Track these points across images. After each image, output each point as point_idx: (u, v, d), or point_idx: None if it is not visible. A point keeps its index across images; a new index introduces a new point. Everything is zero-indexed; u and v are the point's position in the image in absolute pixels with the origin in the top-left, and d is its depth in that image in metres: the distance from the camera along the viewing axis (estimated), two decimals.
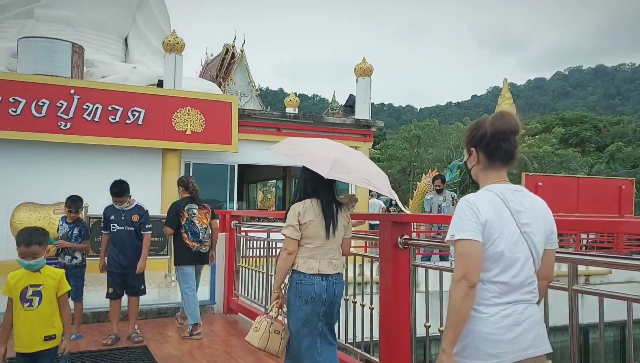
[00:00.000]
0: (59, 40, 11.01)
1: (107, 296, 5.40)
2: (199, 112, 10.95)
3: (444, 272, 3.36)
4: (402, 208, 4.15)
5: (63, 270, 3.27)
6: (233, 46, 25.19)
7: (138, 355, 4.93)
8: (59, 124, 9.77)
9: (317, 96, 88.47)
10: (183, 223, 5.57)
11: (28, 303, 3.01)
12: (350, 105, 14.64)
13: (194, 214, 5.66)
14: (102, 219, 5.47)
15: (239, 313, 6.47)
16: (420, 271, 3.80)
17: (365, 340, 4.16)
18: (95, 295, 6.68)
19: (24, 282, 3.04)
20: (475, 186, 2.32)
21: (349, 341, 4.29)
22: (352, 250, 3.60)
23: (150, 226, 5.55)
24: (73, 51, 10.95)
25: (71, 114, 9.85)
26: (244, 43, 29.30)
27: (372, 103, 13.45)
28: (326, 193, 3.20)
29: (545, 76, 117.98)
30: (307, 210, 3.13)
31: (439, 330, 3.30)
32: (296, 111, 14.93)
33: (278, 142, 3.51)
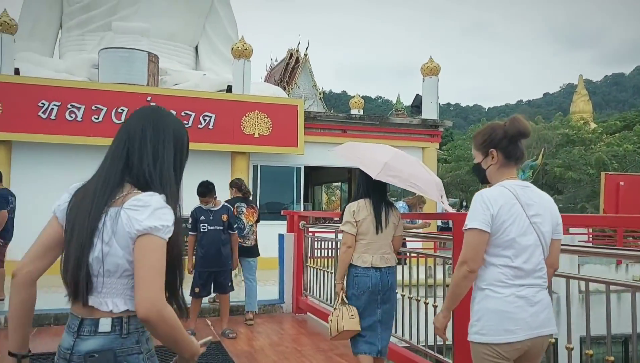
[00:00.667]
0: (136, 50, 11.62)
1: (190, 294, 5.55)
2: (266, 116, 11.18)
3: None
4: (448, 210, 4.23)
5: None
6: (297, 51, 25.58)
7: (212, 351, 5.09)
8: None
9: (381, 97, 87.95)
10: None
11: None
12: (416, 105, 14.45)
13: (242, 211, 6.19)
14: (190, 221, 5.63)
15: (308, 313, 6.53)
16: None
17: (438, 343, 4.08)
18: None
19: None
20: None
21: (421, 343, 4.23)
22: (421, 250, 3.65)
23: (237, 226, 5.85)
24: (149, 60, 11.50)
25: None
26: (307, 47, 29.69)
27: (439, 103, 13.20)
28: (377, 193, 3.56)
29: (624, 71, 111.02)
30: (360, 209, 3.51)
31: None
32: (361, 113, 14.90)
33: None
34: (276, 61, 28.60)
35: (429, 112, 12.91)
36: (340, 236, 5.81)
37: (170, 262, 1.48)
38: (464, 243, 2.20)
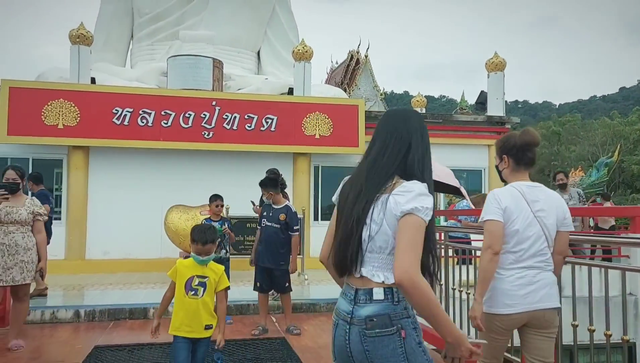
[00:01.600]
0: (202, 57, 12.03)
1: (254, 289, 5.70)
2: (327, 117, 11.25)
3: (595, 270, 3.08)
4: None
5: (223, 267, 3.49)
6: (357, 52, 25.54)
7: (278, 346, 5.18)
8: (202, 133, 10.66)
9: (444, 96, 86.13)
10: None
11: (193, 292, 3.22)
12: (481, 102, 14.04)
13: None
14: (259, 216, 5.88)
15: None
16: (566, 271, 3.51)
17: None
18: (237, 290, 7.14)
19: (191, 271, 3.26)
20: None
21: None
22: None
23: (297, 227, 5.73)
24: (214, 66, 11.88)
25: (213, 124, 10.70)
26: (368, 48, 29.57)
27: (505, 101, 12.77)
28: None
29: None
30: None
31: (589, 329, 3.06)
32: (424, 112, 14.67)
33: None
34: (336, 63, 28.69)
35: (495, 108, 12.52)
36: None
37: (425, 245, 1.73)
38: (485, 232, 2.68)
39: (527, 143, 2.70)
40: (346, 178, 1.96)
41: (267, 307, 5.76)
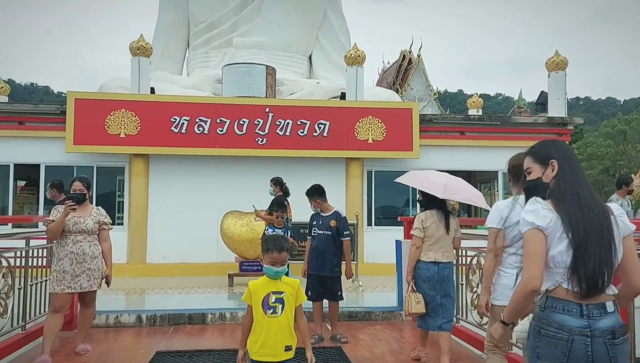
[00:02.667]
0: (256, 64, 12.22)
1: (308, 299, 5.72)
2: (380, 121, 11.14)
3: None
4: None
5: (298, 280, 3.25)
6: (409, 52, 25.22)
7: (333, 356, 5.16)
8: (256, 140, 10.81)
9: (500, 94, 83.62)
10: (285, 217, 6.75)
11: (272, 310, 2.99)
12: (541, 103, 13.54)
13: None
14: (308, 226, 5.87)
15: None
16: None
17: None
18: None
19: (266, 289, 3.04)
20: None
21: None
22: None
23: (348, 232, 5.75)
24: (267, 72, 12.04)
25: (266, 131, 10.83)
26: (420, 47, 29.18)
27: (567, 98, 12.23)
28: (439, 206, 4.71)
29: None
30: (428, 218, 4.68)
31: None
32: (480, 113, 14.28)
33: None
34: (388, 63, 28.47)
35: (556, 109, 12.01)
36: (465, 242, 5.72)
37: None
38: (488, 238, 3.33)
39: (519, 165, 3.03)
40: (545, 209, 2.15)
41: (321, 316, 5.75)
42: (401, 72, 25.28)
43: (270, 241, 3.09)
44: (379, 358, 5.03)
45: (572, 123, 12.10)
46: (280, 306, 3.00)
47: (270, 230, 6.59)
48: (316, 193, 5.70)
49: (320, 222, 5.65)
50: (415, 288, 4.64)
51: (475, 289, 5.34)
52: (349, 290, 8.70)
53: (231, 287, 8.87)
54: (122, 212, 11.23)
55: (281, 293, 3.03)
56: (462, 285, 5.68)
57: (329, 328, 5.87)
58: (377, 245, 10.86)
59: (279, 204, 7.00)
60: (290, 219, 6.94)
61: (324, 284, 5.59)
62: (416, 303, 4.59)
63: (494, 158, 11.78)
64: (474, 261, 5.40)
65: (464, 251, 5.72)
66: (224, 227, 9.48)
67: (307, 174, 11.22)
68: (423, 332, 4.89)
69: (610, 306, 2.03)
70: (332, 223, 5.62)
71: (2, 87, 12.18)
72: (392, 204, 12.22)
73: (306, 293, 5.64)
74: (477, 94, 15.08)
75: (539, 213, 2.10)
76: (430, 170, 5.66)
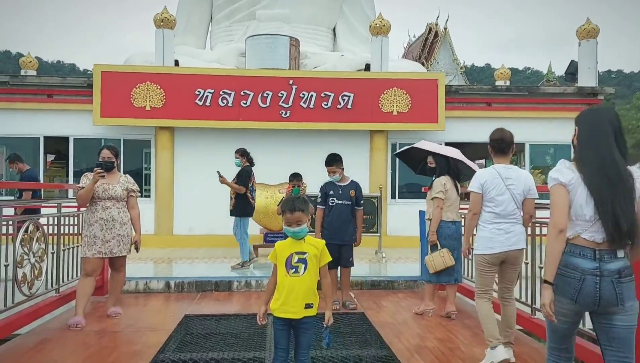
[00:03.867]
0: (279, 35, 12.15)
1: None
2: (405, 92, 11.01)
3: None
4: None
5: (324, 241, 3.28)
6: (436, 25, 24.71)
7: (357, 321, 5.23)
8: (280, 112, 10.81)
9: (529, 68, 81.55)
10: (250, 185, 7.45)
11: (294, 270, 3.05)
12: (571, 72, 13.17)
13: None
14: (320, 195, 5.77)
15: None
16: None
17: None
18: None
19: (289, 249, 3.11)
20: None
21: None
22: None
23: (362, 201, 5.81)
24: (290, 44, 11.96)
25: (290, 103, 10.81)
26: (447, 20, 28.54)
27: (598, 71, 11.86)
28: (453, 172, 5.37)
29: None
30: (447, 182, 5.25)
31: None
32: (508, 84, 13.97)
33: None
34: (414, 37, 27.95)
35: (586, 79, 11.67)
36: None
37: None
38: (470, 200, 3.96)
39: (500, 138, 3.90)
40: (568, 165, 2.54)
41: (337, 283, 5.78)
42: (427, 46, 24.82)
43: (284, 203, 3.14)
44: (402, 323, 5.07)
45: (603, 93, 11.75)
46: (303, 266, 3.05)
47: None
48: (339, 160, 5.67)
49: (340, 192, 5.63)
50: (439, 246, 5.15)
51: None
52: (373, 261, 8.75)
53: (256, 258, 8.99)
54: (149, 185, 11.43)
55: (304, 253, 3.07)
56: None
57: (352, 295, 5.90)
58: (401, 218, 10.84)
59: (295, 175, 7.38)
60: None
61: (340, 252, 5.59)
62: (442, 258, 5.08)
63: (521, 129, 11.56)
64: None
65: None
66: None
67: (331, 147, 11.18)
68: (432, 287, 5.40)
69: (620, 253, 2.38)
70: (352, 192, 5.62)
71: (30, 61, 12.41)
72: (418, 177, 12.12)
73: None
74: (504, 66, 14.75)
75: (562, 171, 2.49)
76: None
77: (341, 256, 5.64)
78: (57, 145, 12.60)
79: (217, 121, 10.79)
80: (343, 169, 5.75)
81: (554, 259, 2.44)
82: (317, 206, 5.73)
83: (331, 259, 3.24)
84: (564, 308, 2.45)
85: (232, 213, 7.79)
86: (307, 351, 3.11)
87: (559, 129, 11.43)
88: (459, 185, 5.37)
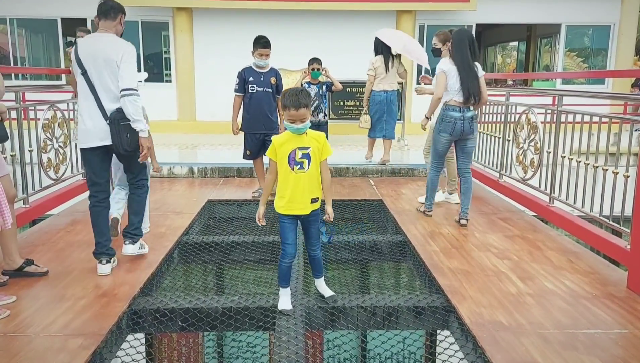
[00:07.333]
0: None
1: (243, 157, 5.53)
2: None
3: None
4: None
5: (324, 134, 3.08)
6: None
7: (375, 208, 5.36)
8: None
9: None
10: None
11: (299, 166, 2.90)
12: None
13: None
14: (237, 81, 5.34)
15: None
16: None
17: (615, 214, 3.80)
18: (337, 154, 7.26)
19: (291, 145, 2.91)
20: None
21: (595, 212, 3.98)
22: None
23: (283, 90, 5.40)
24: None
25: None
26: None
27: None
28: (388, 53, 6.78)
29: None
30: (376, 60, 6.76)
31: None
32: None
33: None
34: None
35: None
36: (511, 99, 5.50)
37: None
38: (436, 83, 4.70)
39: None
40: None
41: (264, 171, 5.54)
42: None
43: (288, 97, 2.85)
44: (419, 211, 5.15)
45: None
46: (307, 161, 2.91)
47: (308, 86, 6.45)
48: (269, 44, 5.24)
49: (262, 79, 5.27)
50: (368, 111, 7.01)
51: (522, 144, 5.23)
52: (394, 149, 8.71)
53: None
54: (170, 69, 11.28)
55: (307, 148, 2.92)
56: (508, 141, 5.55)
57: (372, 183, 5.94)
58: (426, 104, 10.57)
59: (315, 59, 6.54)
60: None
61: (264, 143, 5.32)
62: (364, 122, 7.05)
63: (557, 9, 10.80)
64: (523, 118, 5.21)
65: (513, 108, 5.51)
66: None
67: (354, 29, 10.74)
68: (370, 140, 7.20)
69: (471, 108, 4.54)
70: (273, 80, 5.28)
71: None
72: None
73: (244, 152, 5.47)
74: None
75: (446, 64, 4.54)
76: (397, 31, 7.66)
77: (265, 146, 5.23)
78: (75, 27, 12.33)
79: (236, 1, 10.32)
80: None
81: (433, 109, 4.72)
82: (235, 94, 5.38)
83: (331, 152, 3.02)
84: (445, 138, 4.61)
85: None
86: (318, 240, 3.12)
87: (597, 9, 10.63)
88: (396, 61, 6.84)
